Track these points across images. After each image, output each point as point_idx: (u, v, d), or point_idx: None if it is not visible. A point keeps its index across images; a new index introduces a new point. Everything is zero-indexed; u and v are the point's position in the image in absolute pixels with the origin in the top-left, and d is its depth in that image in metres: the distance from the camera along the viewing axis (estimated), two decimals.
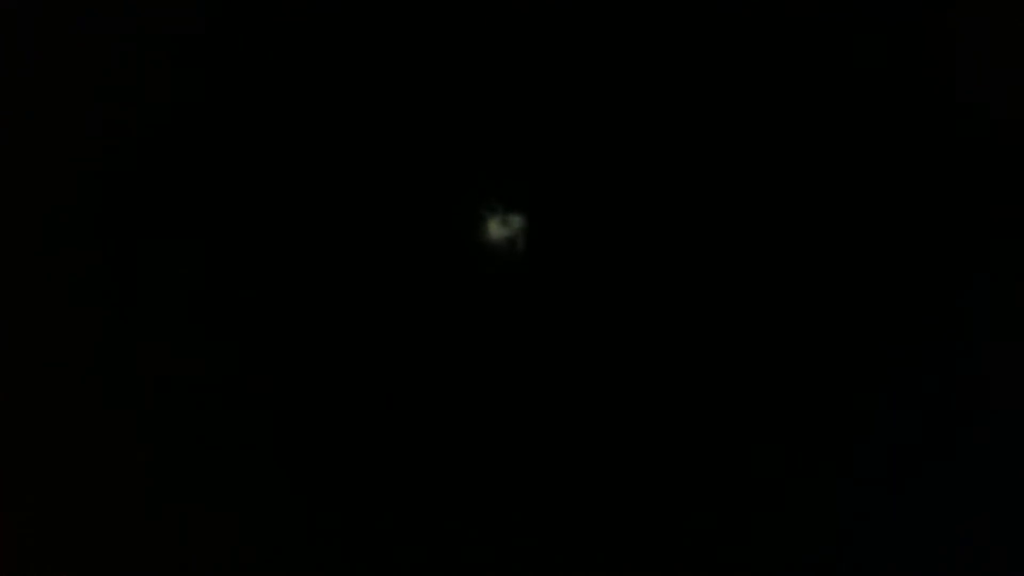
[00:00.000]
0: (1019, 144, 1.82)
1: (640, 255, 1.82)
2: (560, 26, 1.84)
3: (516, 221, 1.82)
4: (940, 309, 1.80)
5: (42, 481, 1.72)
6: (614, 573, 1.72)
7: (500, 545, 1.72)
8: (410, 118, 1.84)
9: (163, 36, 1.88)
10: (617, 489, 1.75)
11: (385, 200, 1.83)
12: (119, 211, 1.83)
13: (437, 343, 1.79)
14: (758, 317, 1.80)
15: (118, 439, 1.75)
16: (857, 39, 1.87)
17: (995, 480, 1.72)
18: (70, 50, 1.86)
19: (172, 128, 1.83)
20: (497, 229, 1.82)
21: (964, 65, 1.86)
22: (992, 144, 1.83)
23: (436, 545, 1.72)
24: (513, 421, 1.76)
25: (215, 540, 1.71)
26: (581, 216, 1.83)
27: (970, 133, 1.84)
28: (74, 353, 1.77)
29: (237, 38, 1.83)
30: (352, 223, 1.82)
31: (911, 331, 1.80)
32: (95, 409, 1.76)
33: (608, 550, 1.73)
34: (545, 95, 1.84)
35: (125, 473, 1.73)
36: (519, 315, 1.79)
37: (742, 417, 1.77)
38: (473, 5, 1.83)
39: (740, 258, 1.82)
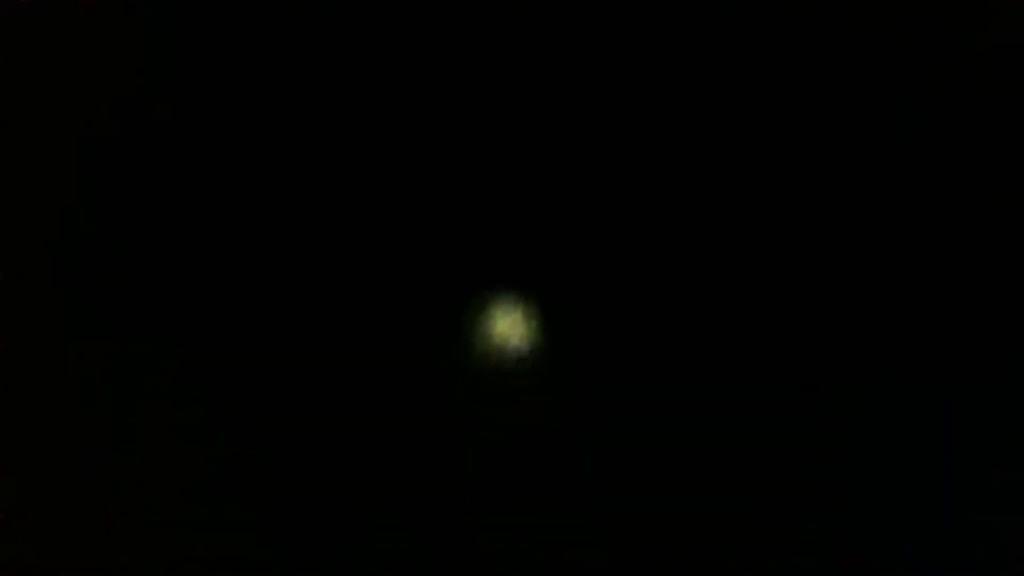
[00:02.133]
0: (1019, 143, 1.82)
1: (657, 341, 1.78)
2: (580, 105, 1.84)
3: (526, 316, 1.76)
4: (943, 310, 1.80)
5: (39, 482, 1.72)
6: None
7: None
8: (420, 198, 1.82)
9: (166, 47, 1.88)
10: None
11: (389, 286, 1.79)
12: (118, 217, 1.83)
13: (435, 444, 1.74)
14: (773, 329, 1.79)
15: (116, 440, 1.75)
16: (862, 41, 1.87)
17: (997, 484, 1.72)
18: (69, 50, 1.86)
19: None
20: (505, 323, 1.76)
21: (966, 65, 1.86)
22: (994, 144, 1.83)
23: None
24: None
25: (212, 541, 1.71)
26: (594, 308, 1.79)
27: (973, 134, 1.84)
28: (72, 353, 1.77)
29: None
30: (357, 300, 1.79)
31: (924, 336, 1.79)
32: (92, 410, 1.76)
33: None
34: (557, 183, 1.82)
35: (121, 476, 1.73)
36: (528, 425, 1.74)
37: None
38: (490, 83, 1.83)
39: (748, 272, 1.81)
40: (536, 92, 1.86)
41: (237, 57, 1.86)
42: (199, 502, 1.71)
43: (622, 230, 1.82)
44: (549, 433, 1.72)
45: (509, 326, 1.75)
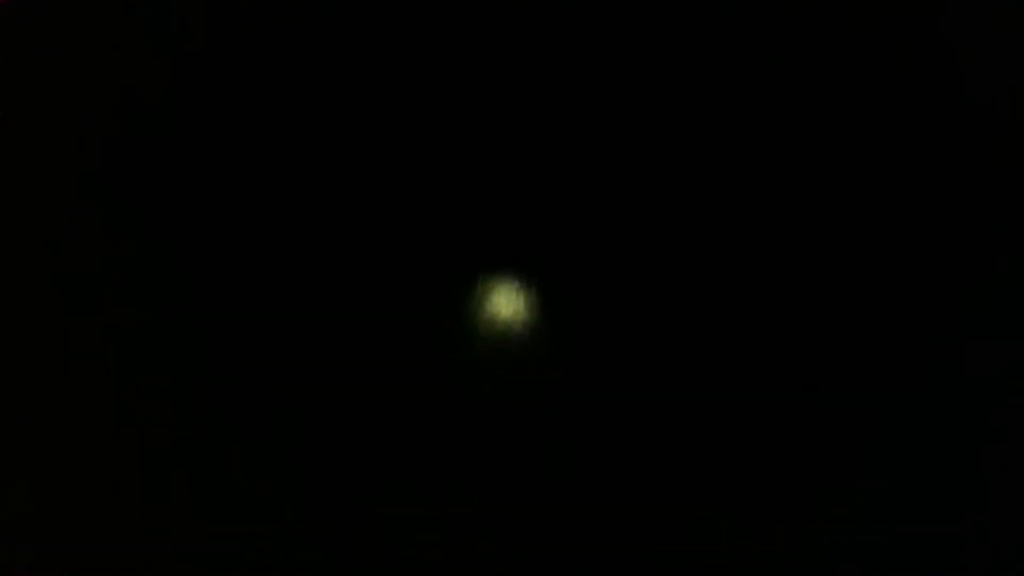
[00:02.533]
0: (1020, 143, 1.82)
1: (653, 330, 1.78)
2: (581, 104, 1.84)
3: (524, 294, 1.77)
4: (944, 311, 1.80)
5: (37, 481, 1.72)
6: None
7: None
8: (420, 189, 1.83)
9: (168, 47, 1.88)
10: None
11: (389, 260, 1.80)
12: (115, 216, 1.83)
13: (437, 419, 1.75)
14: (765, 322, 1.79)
15: (114, 439, 1.74)
16: (861, 40, 1.87)
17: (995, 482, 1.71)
18: (71, 49, 1.87)
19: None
20: (504, 302, 1.76)
21: (966, 64, 1.86)
22: (996, 144, 1.83)
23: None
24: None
25: (210, 541, 1.71)
26: (589, 286, 1.79)
27: (973, 133, 1.84)
28: (71, 352, 1.77)
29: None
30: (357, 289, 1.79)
31: (915, 333, 1.79)
32: (90, 408, 1.75)
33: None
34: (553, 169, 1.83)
35: (119, 473, 1.73)
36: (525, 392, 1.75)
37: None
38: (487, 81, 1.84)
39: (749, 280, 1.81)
40: (533, 75, 1.87)
41: (237, 44, 1.87)
42: (194, 480, 1.71)
43: (620, 209, 1.83)
44: (547, 410, 1.72)
45: (508, 305, 1.76)
